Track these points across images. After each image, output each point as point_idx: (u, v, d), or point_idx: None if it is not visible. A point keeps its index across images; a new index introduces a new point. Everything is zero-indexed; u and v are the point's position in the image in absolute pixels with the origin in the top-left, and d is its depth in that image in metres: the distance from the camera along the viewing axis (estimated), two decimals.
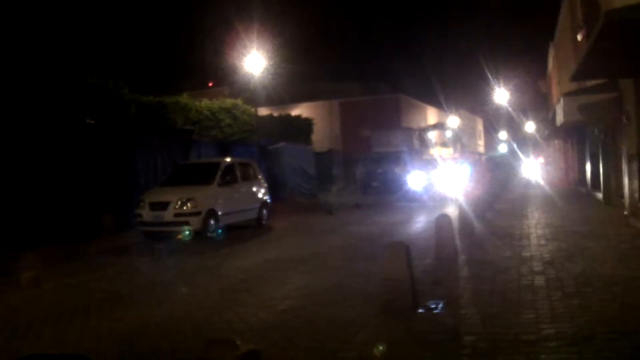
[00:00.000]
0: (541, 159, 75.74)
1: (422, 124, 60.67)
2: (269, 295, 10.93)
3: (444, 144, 44.54)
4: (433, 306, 9.04)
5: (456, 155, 41.06)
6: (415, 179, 36.20)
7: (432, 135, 44.57)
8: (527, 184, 46.39)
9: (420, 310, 8.83)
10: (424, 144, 44.45)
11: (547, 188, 40.87)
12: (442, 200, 30.87)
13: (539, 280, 10.63)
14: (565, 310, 8.52)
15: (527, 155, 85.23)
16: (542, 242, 15.63)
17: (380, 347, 7.23)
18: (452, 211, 17.04)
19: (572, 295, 9.38)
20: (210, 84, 61.75)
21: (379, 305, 8.96)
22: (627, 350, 6.75)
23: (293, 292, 11.08)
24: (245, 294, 11.24)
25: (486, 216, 22.35)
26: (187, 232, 19.24)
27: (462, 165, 39.52)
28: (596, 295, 9.25)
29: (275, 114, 45.77)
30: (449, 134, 43.97)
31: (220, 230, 20.30)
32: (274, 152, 35.87)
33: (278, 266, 14.27)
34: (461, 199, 24.45)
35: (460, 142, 45.34)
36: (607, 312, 8.25)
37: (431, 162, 39.63)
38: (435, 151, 43.23)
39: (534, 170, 54.23)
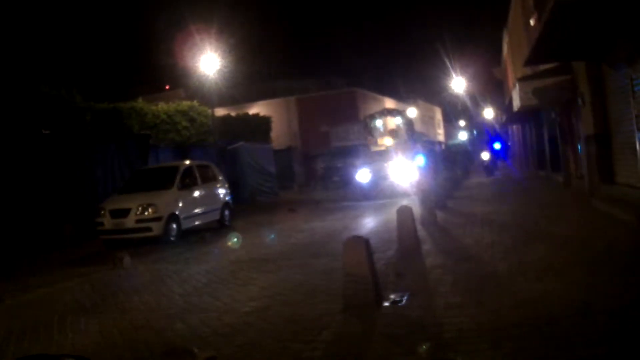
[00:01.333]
0: (499, 144, 76.14)
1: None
2: (233, 298, 10.79)
3: (394, 132, 43.06)
4: (397, 299, 8.97)
5: (409, 144, 38.95)
6: (361, 174, 33.97)
7: (379, 124, 42.13)
8: (488, 168, 45.77)
9: (384, 304, 8.76)
10: (370, 133, 42.25)
11: (507, 172, 41.19)
12: (393, 195, 30.58)
13: (502, 267, 10.56)
14: (528, 296, 8.40)
15: (488, 142, 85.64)
16: (504, 227, 15.62)
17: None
18: (408, 204, 16.82)
19: (534, 280, 9.29)
20: (167, 87, 61.45)
21: (343, 301, 8.89)
22: (594, 333, 6.70)
23: (257, 293, 10.96)
24: (208, 297, 11.11)
25: (447, 205, 22.39)
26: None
27: (417, 155, 34.12)
28: (559, 279, 9.16)
29: (233, 114, 45.57)
30: (398, 120, 41.95)
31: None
32: (233, 152, 35.75)
33: (241, 267, 14.15)
34: (414, 191, 25.98)
35: (413, 130, 41.18)
36: (570, 296, 8.15)
37: (382, 154, 37.22)
38: (385, 141, 41.31)
39: (492, 155, 53.75)
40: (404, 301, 8.88)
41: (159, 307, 10.81)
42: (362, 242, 8.75)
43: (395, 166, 33.37)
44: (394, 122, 43.75)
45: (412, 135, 40.57)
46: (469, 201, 24.21)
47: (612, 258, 10.25)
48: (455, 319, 7.76)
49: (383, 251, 13.49)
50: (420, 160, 33.23)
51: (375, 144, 41.83)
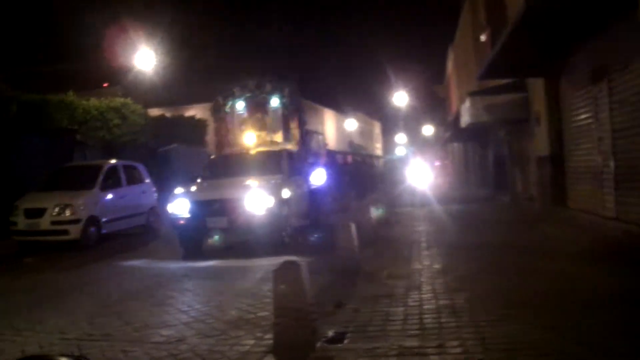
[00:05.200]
0: (436, 163, 75.64)
1: (320, 127, 59.32)
2: (144, 322, 9.25)
3: (267, 124, 24.18)
4: (337, 337, 7.47)
5: (295, 145, 23.30)
6: (177, 206, 17.33)
7: (240, 106, 24.55)
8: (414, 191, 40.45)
9: (321, 343, 7.29)
10: (225, 124, 25.14)
11: (445, 192, 39.58)
12: (256, 250, 16.16)
13: (459, 299, 9.11)
14: (496, 341, 7.01)
15: (423, 159, 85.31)
16: (453, 251, 14.19)
17: None
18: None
19: (499, 319, 7.88)
20: (105, 85, 59.79)
21: (271, 336, 7.41)
22: None
23: (171, 318, 9.43)
24: (117, 320, 9.51)
25: (389, 222, 21.03)
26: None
27: (314, 169, 22.97)
28: (526, 318, 7.76)
29: (168, 115, 44.11)
30: (276, 102, 24.08)
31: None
32: (166, 154, 34.25)
33: (161, 282, 12.72)
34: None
35: (304, 121, 25.78)
36: (544, 341, 6.83)
37: (237, 164, 20.25)
38: (246, 138, 23.18)
39: (423, 174, 51.11)
40: (344, 343, 7.38)
41: (57, 329, 9.21)
42: (296, 271, 7.22)
43: (257, 189, 17.05)
44: (271, 104, 24.32)
45: (304, 132, 24.62)
46: (411, 221, 22.77)
47: (580, 295, 8.90)
48: None
49: (319, 273, 12.13)
50: (320, 176, 23.11)
51: (230, 143, 24.29)
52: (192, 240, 17.17)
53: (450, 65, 55.47)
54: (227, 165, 20.25)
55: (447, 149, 72.07)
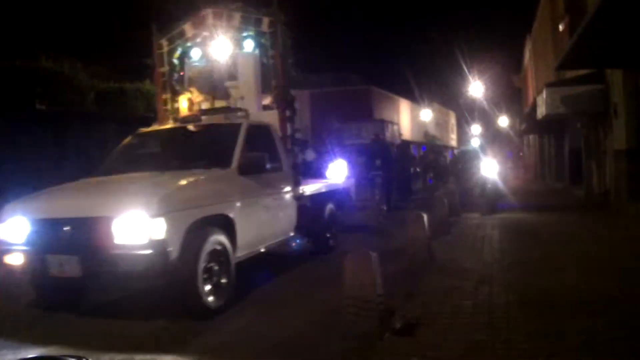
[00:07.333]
0: (511, 155, 74.73)
1: (395, 117, 58.98)
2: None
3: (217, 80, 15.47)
4: (405, 328, 7.38)
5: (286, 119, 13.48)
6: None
7: (195, 55, 16.32)
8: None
9: (389, 334, 7.19)
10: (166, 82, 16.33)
11: (519, 185, 38.79)
12: None
13: (529, 294, 8.89)
14: (569, 337, 6.78)
15: (497, 151, 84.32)
16: (526, 246, 13.97)
17: None
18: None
19: (569, 315, 7.64)
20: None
21: (343, 325, 7.37)
22: None
23: (241, 304, 9.51)
24: None
25: (460, 218, 20.73)
26: None
27: (329, 161, 18.95)
28: (601, 315, 7.49)
29: None
30: (249, 46, 14.96)
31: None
32: None
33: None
34: None
35: (287, 79, 13.79)
36: (618, 337, 6.60)
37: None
38: (185, 101, 15.53)
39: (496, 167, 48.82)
40: (414, 333, 7.24)
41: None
42: (369, 259, 7.17)
43: (132, 205, 8.33)
44: (244, 47, 15.11)
45: (290, 94, 13.74)
46: (483, 214, 22.33)
47: None
48: None
49: (390, 262, 11.95)
50: (340, 169, 17.28)
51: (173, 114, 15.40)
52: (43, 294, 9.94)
53: (527, 56, 54.78)
54: (144, 151, 12.76)
55: (522, 141, 71.30)
